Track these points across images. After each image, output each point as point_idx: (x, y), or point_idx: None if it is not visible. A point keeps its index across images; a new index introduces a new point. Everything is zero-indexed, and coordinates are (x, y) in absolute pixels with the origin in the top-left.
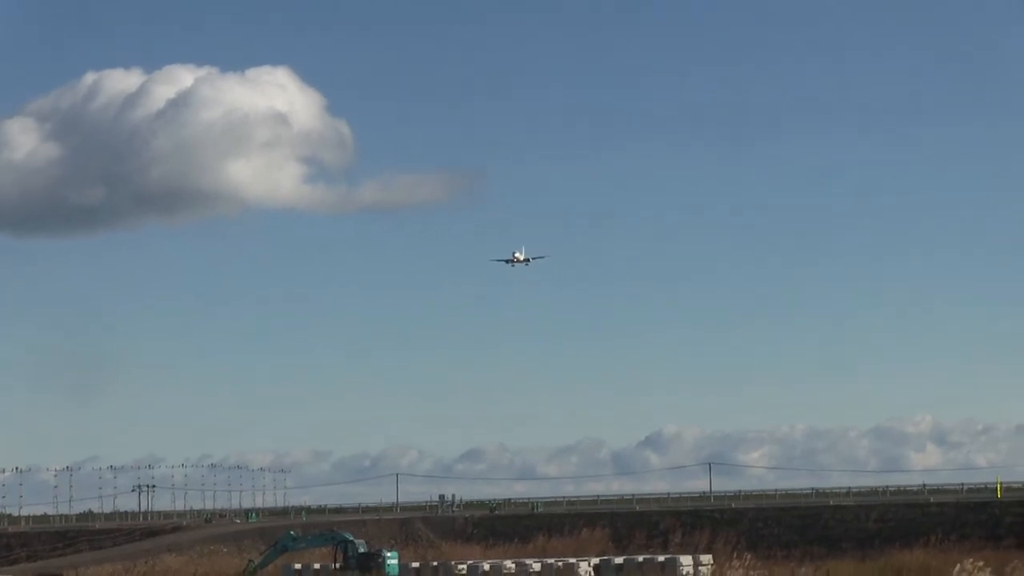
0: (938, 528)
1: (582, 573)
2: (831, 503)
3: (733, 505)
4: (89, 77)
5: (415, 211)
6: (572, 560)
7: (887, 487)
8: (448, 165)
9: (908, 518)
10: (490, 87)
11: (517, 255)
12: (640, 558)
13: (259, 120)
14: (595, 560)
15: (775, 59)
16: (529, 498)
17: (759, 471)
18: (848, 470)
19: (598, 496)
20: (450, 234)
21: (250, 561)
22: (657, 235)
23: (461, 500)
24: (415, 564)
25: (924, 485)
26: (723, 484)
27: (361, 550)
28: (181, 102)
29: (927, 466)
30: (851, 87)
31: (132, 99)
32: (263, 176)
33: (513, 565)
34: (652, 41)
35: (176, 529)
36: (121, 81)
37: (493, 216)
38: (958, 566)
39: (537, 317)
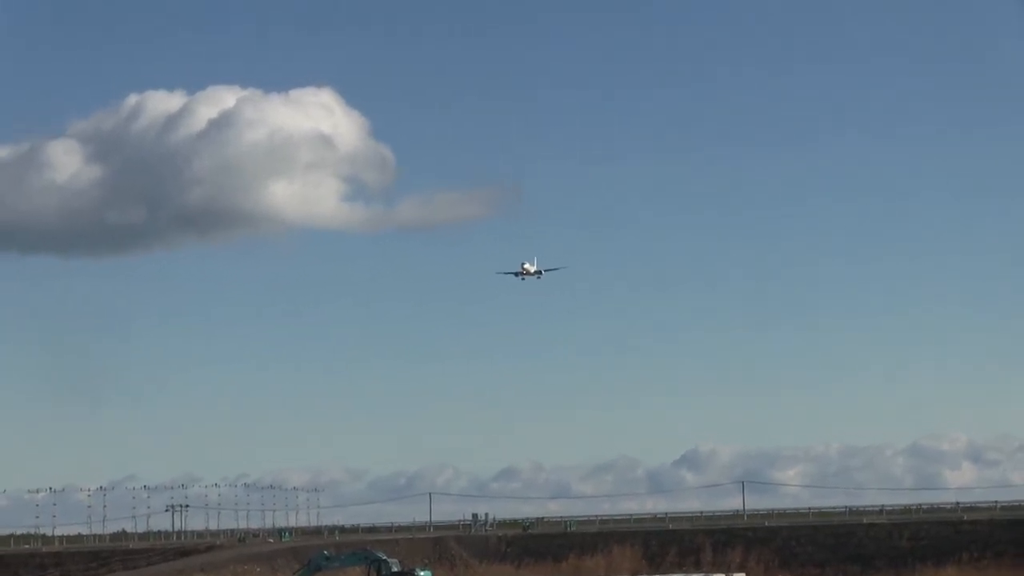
0: (971, 546)
1: None
2: (864, 521)
3: (766, 523)
4: (132, 98)
5: (453, 228)
6: None
7: (920, 505)
8: (487, 183)
9: (942, 536)
10: (532, 105)
11: (527, 266)
12: None
13: (303, 141)
14: None
15: (797, 68)
16: (562, 517)
17: (794, 489)
18: (884, 488)
19: (631, 515)
20: (486, 250)
21: None
22: (695, 250)
23: (494, 519)
24: None
25: (958, 503)
26: (758, 502)
27: (394, 569)
28: (224, 123)
29: (963, 484)
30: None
31: (174, 120)
32: (304, 197)
33: None
34: (693, 51)
35: (210, 549)
36: (164, 102)
37: (531, 232)
38: None
39: (574, 333)
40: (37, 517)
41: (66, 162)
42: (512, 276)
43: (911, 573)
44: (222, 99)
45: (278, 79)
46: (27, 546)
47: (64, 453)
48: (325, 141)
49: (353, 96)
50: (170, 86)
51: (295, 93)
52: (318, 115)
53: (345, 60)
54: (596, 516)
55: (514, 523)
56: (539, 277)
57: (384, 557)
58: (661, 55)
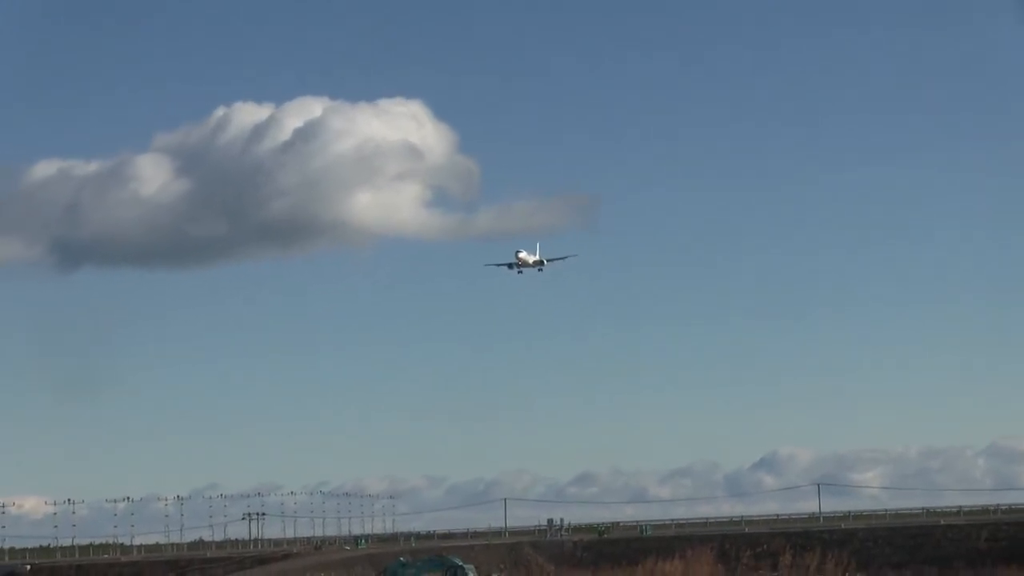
0: None
1: None
2: (942, 522)
3: (843, 526)
4: (220, 111)
5: (534, 238)
6: None
7: (999, 505)
8: (568, 195)
9: (1021, 537)
10: (618, 122)
11: (523, 256)
12: None
13: (391, 152)
14: None
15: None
16: (638, 521)
17: (873, 491)
18: (963, 489)
19: (707, 519)
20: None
21: None
22: (775, 259)
23: (569, 524)
24: None
25: None
26: (837, 505)
27: (470, 575)
28: (310, 133)
29: None
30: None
31: (260, 131)
32: (386, 207)
33: None
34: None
35: (286, 556)
36: (252, 114)
37: (610, 242)
38: None
39: (653, 339)
40: (115, 527)
41: (152, 175)
42: (505, 268)
43: (990, 574)
44: (309, 109)
45: (366, 90)
46: (106, 555)
47: (145, 462)
48: (413, 152)
49: (442, 109)
50: (259, 98)
51: (383, 103)
52: (407, 126)
53: (435, 73)
54: (672, 520)
55: (590, 528)
56: (540, 269)
57: (460, 563)
58: (731, 77)
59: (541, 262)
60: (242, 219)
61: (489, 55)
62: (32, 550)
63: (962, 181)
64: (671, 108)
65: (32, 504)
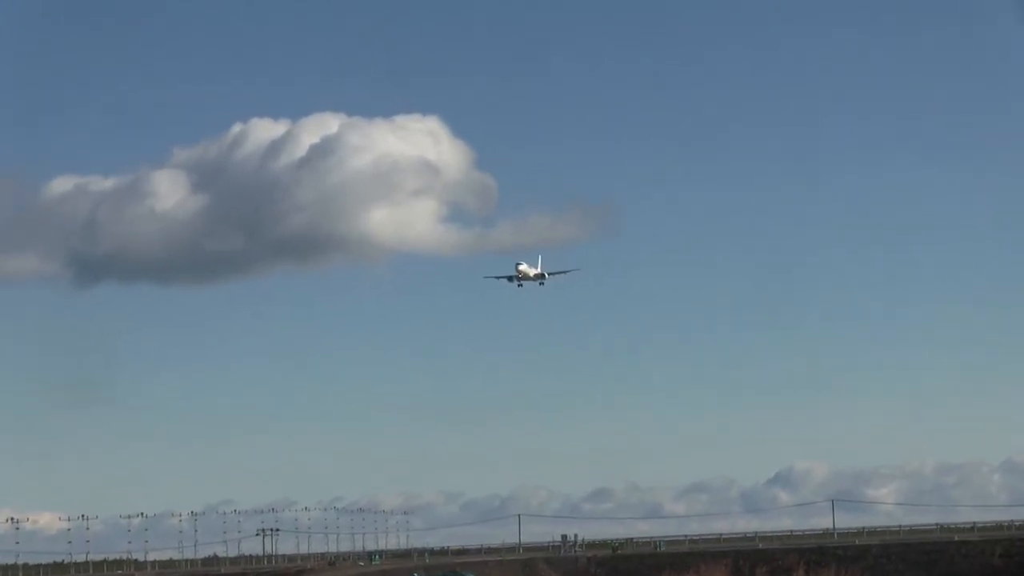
0: None
1: None
2: (956, 538)
3: (857, 542)
4: (236, 127)
5: (552, 251)
6: None
7: (1013, 522)
8: (585, 209)
9: None
10: (634, 135)
11: (524, 268)
12: None
13: (407, 168)
14: None
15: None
16: (652, 537)
17: (888, 507)
18: (979, 505)
19: (720, 534)
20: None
21: None
22: (791, 276)
23: (583, 540)
24: None
25: None
26: (852, 520)
27: None
28: (326, 149)
29: None
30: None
31: (277, 147)
32: (402, 223)
33: None
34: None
35: (300, 572)
36: (268, 130)
37: (626, 255)
38: None
39: (671, 356)
40: (130, 543)
41: (169, 191)
42: (505, 281)
43: None
44: (326, 125)
45: (383, 106)
46: (120, 571)
47: (159, 478)
48: (430, 168)
49: (459, 125)
50: (275, 114)
51: (400, 120)
52: (424, 142)
53: (452, 89)
54: (686, 536)
55: (604, 544)
56: (542, 283)
57: None
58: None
59: (542, 275)
60: (259, 234)
61: (507, 72)
62: (46, 566)
63: (962, 181)
64: (675, 109)
65: (46, 520)
